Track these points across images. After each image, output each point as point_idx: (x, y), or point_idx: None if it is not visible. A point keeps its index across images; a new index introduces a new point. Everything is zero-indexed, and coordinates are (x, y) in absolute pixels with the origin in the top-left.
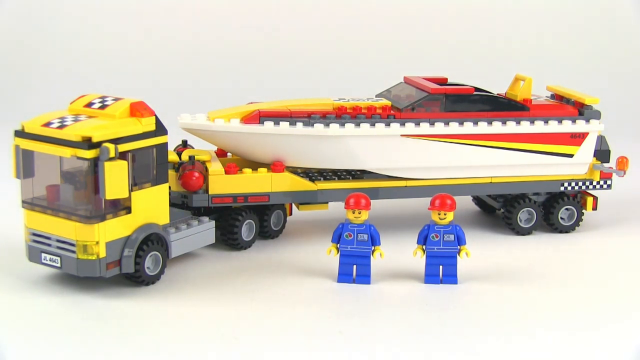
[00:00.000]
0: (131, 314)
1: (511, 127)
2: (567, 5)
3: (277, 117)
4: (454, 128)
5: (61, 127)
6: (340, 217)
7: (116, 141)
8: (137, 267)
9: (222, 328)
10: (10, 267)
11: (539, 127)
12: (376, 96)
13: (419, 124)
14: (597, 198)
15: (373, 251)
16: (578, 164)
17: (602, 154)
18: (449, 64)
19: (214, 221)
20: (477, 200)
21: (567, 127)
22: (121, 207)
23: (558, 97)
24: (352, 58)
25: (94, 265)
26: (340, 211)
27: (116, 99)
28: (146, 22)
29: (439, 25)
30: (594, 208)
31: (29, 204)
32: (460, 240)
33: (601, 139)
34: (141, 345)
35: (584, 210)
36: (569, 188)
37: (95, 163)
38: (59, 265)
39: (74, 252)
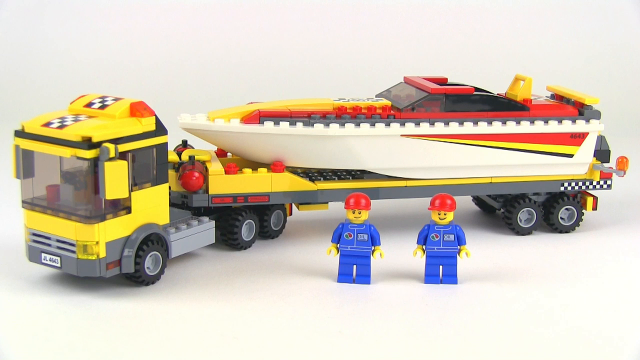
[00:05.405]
0: (131, 314)
1: (511, 127)
2: (567, 6)
3: (277, 117)
4: (454, 128)
5: (61, 127)
6: (340, 217)
7: (116, 141)
8: (137, 267)
9: (222, 328)
10: (10, 267)
11: (539, 127)
12: (376, 96)
13: (419, 124)
14: (597, 198)
15: (373, 251)
16: (578, 164)
17: (602, 154)
18: (449, 64)
19: (214, 221)
20: (477, 200)
21: (567, 127)
22: (121, 207)
23: (558, 97)
24: (352, 58)
25: (94, 265)
26: (340, 211)
27: (116, 99)
28: (146, 22)
29: (439, 25)
30: (594, 208)
31: (29, 204)
32: (460, 240)
33: (601, 139)
34: (141, 345)
35: (584, 210)
36: (569, 188)
37: (95, 163)
38: (59, 265)
39: (74, 252)
